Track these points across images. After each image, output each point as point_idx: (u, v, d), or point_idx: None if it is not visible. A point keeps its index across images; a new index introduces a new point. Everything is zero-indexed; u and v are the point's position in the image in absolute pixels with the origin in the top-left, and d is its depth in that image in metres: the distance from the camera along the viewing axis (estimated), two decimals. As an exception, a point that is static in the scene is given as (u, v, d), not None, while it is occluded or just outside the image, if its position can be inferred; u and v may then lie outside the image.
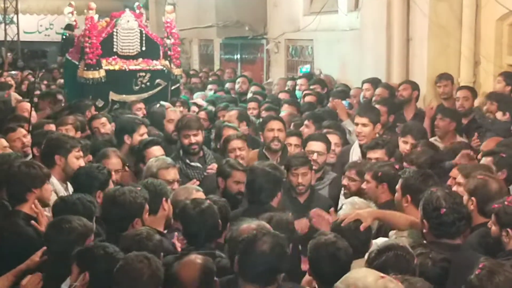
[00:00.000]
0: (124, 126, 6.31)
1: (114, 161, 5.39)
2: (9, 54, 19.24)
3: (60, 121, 6.75)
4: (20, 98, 9.15)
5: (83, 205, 4.15)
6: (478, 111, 7.12)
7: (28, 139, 6.00)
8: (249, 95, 9.60)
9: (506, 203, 3.84)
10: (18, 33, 20.24)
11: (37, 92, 9.22)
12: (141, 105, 7.83)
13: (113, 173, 5.06)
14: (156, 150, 5.66)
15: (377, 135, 6.24)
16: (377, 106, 7.13)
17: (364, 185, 4.86)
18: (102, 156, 5.46)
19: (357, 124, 6.33)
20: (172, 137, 6.66)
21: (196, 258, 3.58)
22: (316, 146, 5.86)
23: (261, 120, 7.14)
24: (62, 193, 4.86)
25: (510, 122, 6.45)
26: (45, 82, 13.39)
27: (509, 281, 3.08)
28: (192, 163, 5.96)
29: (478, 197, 4.15)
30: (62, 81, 11.23)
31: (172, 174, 5.09)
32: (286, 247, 3.35)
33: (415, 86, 7.82)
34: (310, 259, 3.52)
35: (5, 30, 20.22)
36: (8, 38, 20.22)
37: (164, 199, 4.37)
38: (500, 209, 3.81)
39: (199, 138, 6.03)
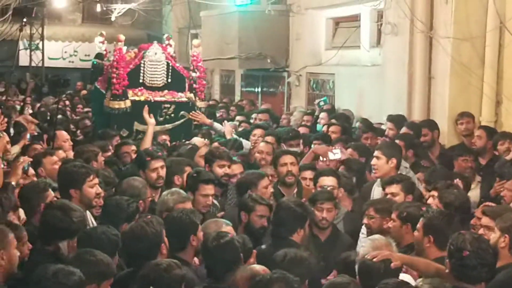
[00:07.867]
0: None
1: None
2: (31, 80, 19.41)
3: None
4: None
5: (109, 239, 4.19)
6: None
7: None
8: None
9: None
10: (43, 59, 20.65)
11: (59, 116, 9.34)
12: (166, 137, 7.97)
13: None
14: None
15: (396, 171, 6.17)
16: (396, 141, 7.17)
17: (389, 224, 4.86)
18: None
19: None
20: None
21: None
22: (328, 180, 5.87)
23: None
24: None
25: None
26: (80, 106, 13.60)
27: None
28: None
29: None
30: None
31: (189, 206, 5.11)
32: None
33: (433, 127, 7.83)
34: None
35: (30, 56, 20.66)
36: (33, 64, 20.64)
37: (192, 235, 4.45)
38: None
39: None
